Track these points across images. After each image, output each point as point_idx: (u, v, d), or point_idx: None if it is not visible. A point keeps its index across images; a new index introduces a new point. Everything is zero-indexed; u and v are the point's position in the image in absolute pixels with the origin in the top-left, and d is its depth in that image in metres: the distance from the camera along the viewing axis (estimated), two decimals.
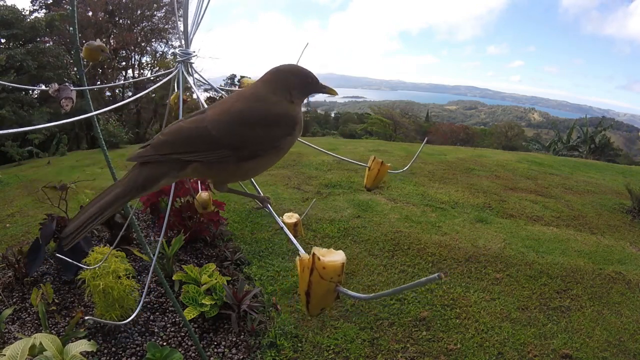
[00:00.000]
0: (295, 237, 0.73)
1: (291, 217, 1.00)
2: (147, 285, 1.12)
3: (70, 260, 1.20)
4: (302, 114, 0.76)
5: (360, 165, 1.18)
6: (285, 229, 0.74)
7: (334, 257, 0.55)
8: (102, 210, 0.62)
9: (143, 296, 1.12)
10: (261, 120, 0.70)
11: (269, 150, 0.71)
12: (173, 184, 1.11)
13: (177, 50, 0.98)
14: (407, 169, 1.30)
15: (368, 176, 1.12)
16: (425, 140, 1.68)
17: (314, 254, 0.54)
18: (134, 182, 0.65)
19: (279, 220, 0.77)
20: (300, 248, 0.62)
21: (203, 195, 1.11)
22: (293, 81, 0.73)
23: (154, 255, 1.08)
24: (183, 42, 0.98)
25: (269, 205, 0.81)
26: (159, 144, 0.67)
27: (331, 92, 0.80)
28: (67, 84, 0.91)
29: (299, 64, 0.77)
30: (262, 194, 0.84)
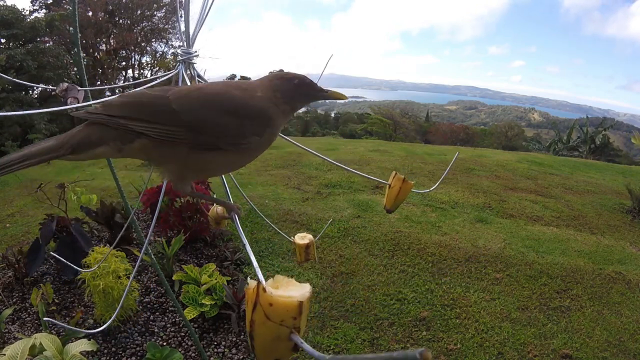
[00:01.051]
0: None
1: (304, 238, 0.90)
2: (131, 276, 1.12)
3: (66, 262, 1.19)
4: (281, 125, 0.68)
5: (380, 181, 1.03)
6: (248, 247, 0.64)
7: (291, 292, 0.41)
8: (24, 158, 0.56)
9: (125, 292, 1.11)
10: (232, 107, 0.62)
11: (232, 145, 0.62)
12: (164, 187, 1.09)
13: (178, 50, 0.98)
14: (436, 187, 1.13)
15: (388, 195, 0.94)
16: (456, 155, 1.55)
17: (258, 283, 0.41)
18: (68, 140, 0.58)
19: (243, 236, 0.68)
20: (259, 273, 0.50)
21: (218, 210, 1.00)
22: (279, 84, 0.66)
23: (146, 251, 1.07)
24: (184, 41, 0.98)
25: (236, 217, 0.73)
26: (112, 104, 0.60)
27: (336, 96, 0.71)
28: (73, 84, 0.91)
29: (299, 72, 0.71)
30: (231, 201, 0.77)
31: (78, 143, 0.58)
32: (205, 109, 0.61)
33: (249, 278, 0.44)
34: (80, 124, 0.62)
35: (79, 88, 0.90)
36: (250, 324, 0.40)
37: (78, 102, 0.89)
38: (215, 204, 1.01)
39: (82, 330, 1.07)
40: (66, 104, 0.87)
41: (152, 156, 0.63)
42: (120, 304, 1.10)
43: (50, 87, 0.90)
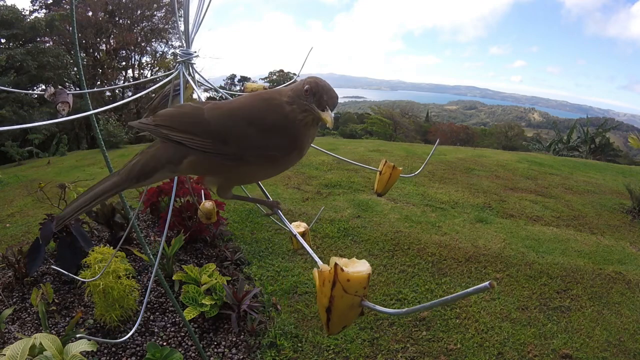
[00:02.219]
0: (302, 247, 0.70)
1: (299, 227, 0.94)
2: (149, 289, 1.12)
3: (64, 271, 1.19)
4: (310, 138, 0.67)
5: (369, 168, 1.12)
6: (299, 238, 0.68)
7: (358, 267, 0.49)
8: (97, 196, 0.64)
9: (146, 299, 1.12)
10: (253, 118, 0.64)
11: (258, 156, 0.64)
12: (175, 184, 1.09)
13: (177, 50, 0.98)
14: (420, 172, 1.24)
15: (379, 181, 1.04)
16: (437, 143, 1.63)
17: (336, 264, 0.48)
18: (130, 172, 0.65)
19: (290, 227, 0.72)
20: (317, 259, 0.56)
21: (207, 205, 1.05)
22: (295, 91, 0.66)
23: (155, 256, 1.07)
24: (184, 42, 0.98)
25: (280, 211, 0.76)
26: (160, 114, 0.65)
27: (324, 120, 0.66)
28: (61, 88, 0.90)
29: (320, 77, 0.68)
30: (270, 199, 0.79)
31: (138, 175, 0.65)
32: (230, 119, 0.64)
33: (319, 263, 0.52)
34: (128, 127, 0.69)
35: (68, 92, 0.90)
36: (330, 300, 0.48)
37: (69, 107, 0.89)
38: (204, 201, 1.06)
39: (109, 340, 1.07)
40: (56, 109, 0.87)
41: (200, 171, 0.69)
42: (143, 307, 1.10)
43: (38, 91, 0.90)
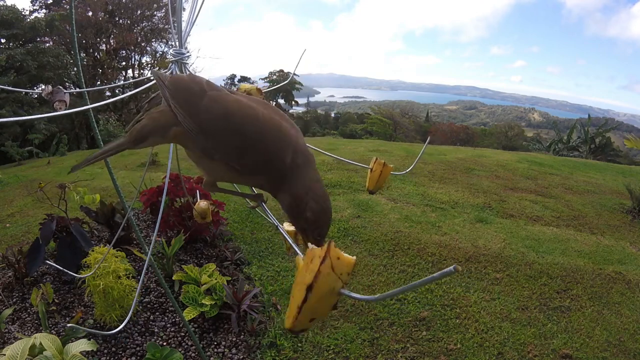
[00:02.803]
0: (297, 244, 0.71)
1: (291, 225, 0.95)
2: (140, 281, 1.12)
3: (63, 269, 1.19)
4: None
5: (361, 166, 1.14)
6: (281, 228, 0.71)
7: (347, 255, 0.50)
8: (105, 152, 0.73)
9: (136, 297, 1.12)
10: (249, 139, 0.61)
11: (225, 161, 0.63)
12: (166, 183, 1.09)
13: (170, 50, 0.98)
14: (410, 170, 1.25)
15: (370, 178, 1.05)
16: (427, 141, 1.63)
17: (330, 241, 0.49)
18: (131, 133, 0.71)
19: (273, 219, 0.74)
20: (297, 249, 0.57)
21: (202, 204, 1.05)
22: (312, 206, 0.61)
23: (149, 252, 1.07)
24: (176, 41, 0.98)
25: (263, 204, 0.77)
26: (173, 80, 0.67)
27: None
28: (58, 87, 0.90)
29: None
30: (254, 192, 0.80)
31: (136, 136, 0.70)
32: (223, 122, 0.62)
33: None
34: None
35: (65, 91, 0.90)
36: (315, 275, 0.47)
37: (66, 105, 0.89)
38: (199, 200, 1.07)
39: (104, 332, 1.07)
40: (53, 107, 0.88)
41: (183, 144, 0.69)
42: (135, 298, 1.10)
43: (40, 89, 0.90)
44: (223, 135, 0.62)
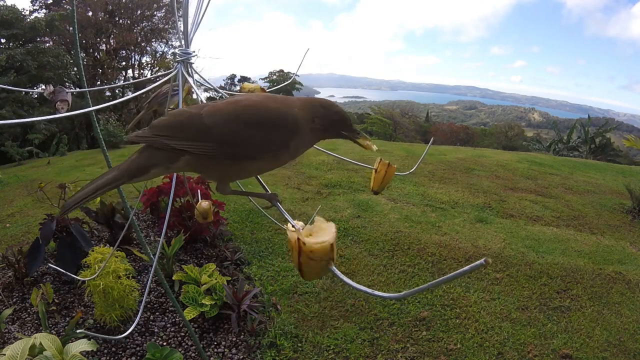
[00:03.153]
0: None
1: (295, 223, 0.96)
2: (147, 286, 1.12)
3: (63, 270, 1.19)
4: (307, 143, 0.72)
5: (361, 165, 1.14)
6: (289, 218, 0.71)
7: (322, 237, 0.53)
8: (98, 189, 0.67)
9: (144, 297, 1.12)
10: (261, 117, 0.66)
11: (263, 153, 0.67)
12: (173, 185, 1.09)
13: (176, 50, 0.98)
14: (414, 170, 1.25)
15: (375, 179, 1.05)
16: (430, 142, 1.63)
17: (298, 239, 0.52)
18: (127, 168, 0.67)
19: (289, 218, 0.74)
20: (292, 222, 0.60)
21: (203, 204, 1.05)
22: (321, 112, 0.70)
23: (154, 255, 1.07)
24: (183, 42, 0.98)
25: (278, 203, 0.78)
26: (157, 125, 0.67)
27: (364, 144, 0.73)
28: (60, 86, 0.90)
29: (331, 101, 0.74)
30: (269, 192, 0.80)
31: (135, 171, 0.67)
32: (232, 122, 0.66)
33: (289, 225, 0.56)
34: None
35: (67, 90, 0.90)
36: (299, 265, 0.53)
37: (68, 105, 0.89)
38: (200, 201, 1.07)
39: (108, 336, 1.06)
40: (55, 107, 0.87)
41: (197, 169, 0.70)
42: (142, 306, 1.10)
43: (41, 89, 0.89)
44: (237, 131, 0.65)
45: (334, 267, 0.52)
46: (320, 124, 0.70)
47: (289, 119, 0.67)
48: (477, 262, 0.37)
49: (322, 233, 0.54)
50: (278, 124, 0.67)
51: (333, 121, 0.71)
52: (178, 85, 0.97)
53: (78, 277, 1.93)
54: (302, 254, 0.52)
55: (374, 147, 0.73)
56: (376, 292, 0.49)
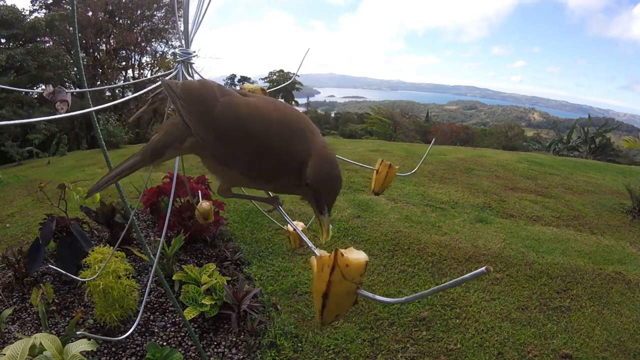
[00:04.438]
0: (300, 245, 0.71)
1: (295, 226, 0.95)
2: (148, 286, 1.12)
3: (63, 271, 1.20)
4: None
5: (360, 165, 1.14)
6: (299, 231, 0.70)
7: (357, 255, 0.50)
8: (123, 171, 0.71)
9: (145, 298, 1.12)
10: (270, 146, 0.60)
11: (245, 170, 0.63)
12: (174, 185, 1.10)
13: (177, 50, 0.97)
14: (415, 171, 1.25)
15: (376, 180, 1.05)
16: (432, 142, 1.63)
17: (336, 249, 0.49)
18: (146, 150, 0.70)
19: (291, 222, 0.73)
20: (314, 248, 0.56)
21: (204, 205, 1.05)
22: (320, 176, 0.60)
23: (154, 255, 1.08)
24: (183, 41, 0.98)
25: (280, 207, 0.76)
26: (184, 87, 0.66)
27: (323, 227, 0.61)
28: (60, 86, 0.90)
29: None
30: (271, 195, 0.79)
31: (152, 152, 0.69)
32: (242, 132, 0.61)
33: (316, 250, 0.51)
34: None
35: (67, 90, 0.90)
36: (328, 285, 0.48)
37: (68, 105, 0.89)
38: (201, 201, 1.07)
39: (108, 337, 1.06)
40: (55, 107, 0.87)
41: (199, 154, 0.68)
42: (142, 306, 1.10)
43: (41, 89, 0.89)
44: (237, 141, 0.61)
45: (362, 290, 0.49)
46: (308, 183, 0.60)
47: (295, 166, 0.60)
48: (479, 270, 0.37)
49: (353, 252, 0.51)
50: (285, 163, 0.61)
51: (324, 188, 0.60)
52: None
53: (77, 278, 1.93)
54: (334, 271, 0.48)
55: (324, 239, 0.62)
56: (377, 297, 0.48)
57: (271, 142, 0.60)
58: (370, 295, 0.49)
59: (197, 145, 0.65)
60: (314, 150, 0.60)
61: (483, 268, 0.37)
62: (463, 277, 0.39)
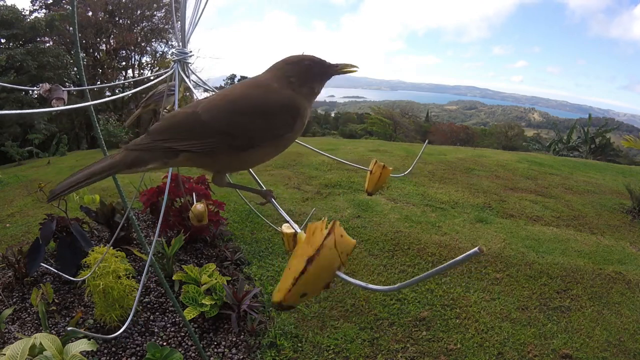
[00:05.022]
0: (294, 247, 0.70)
1: (290, 227, 0.95)
2: (142, 282, 1.12)
3: (61, 273, 1.20)
4: (308, 109, 0.71)
5: (358, 167, 1.14)
6: (285, 215, 0.71)
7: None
8: (91, 175, 0.65)
9: (137, 298, 1.12)
10: (257, 107, 0.66)
11: (266, 141, 0.67)
12: (168, 184, 1.09)
13: (173, 50, 0.98)
14: (409, 172, 1.25)
15: (370, 180, 1.07)
16: (426, 142, 1.64)
17: (335, 220, 0.49)
18: (123, 160, 0.66)
19: (283, 213, 0.73)
20: (296, 227, 0.59)
21: (198, 207, 1.06)
22: (290, 69, 0.69)
23: (149, 247, 1.07)
24: (179, 41, 0.98)
25: (273, 199, 0.77)
26: (154, 131, 0.67)
27: (347, 69, 0.72)
28: (56, 84, 0.90)
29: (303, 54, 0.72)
30: (264, 188, 0.80)
31: (132, 161, 0.66)
32: (232, 114, 0.65)
33: (283, 227, 0.55)
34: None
35: (63, 88, 0.90)
36: (318, 248, 0.47)
37: (64, 103, 0.89)
38: (195, 204, 1.06)
39: (103, 335, 1.06)
40: (51, 104, 0.88)
41: (196, 163, 0.70)
42: (136, 299, 1.10)
43: (37, 87, 0.89)
44: (246, 120, 0.65)
45: (341, 273, 0.48)
46: (299, 82, 0.68)
47: (281, 101, 0.67)
48: (471, 251, 0.36)
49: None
50: (274, 110, 0.67)
51: (307, 69, 0.69)
52: (174, 85, 0.97)
53: (74, 278, 1.93)
54: (330, 235, 0.47)
55: (355, 68, 0.72)
56: (370, 286, 0.47)
57: (260, 102, 0.67)
58: (348, 278, 0.48)
59: (193, 155, 0.66)
60: (274, 73, 0.70)
61: (476, 248, 0.36)
62: (456, 259, 0.38)
